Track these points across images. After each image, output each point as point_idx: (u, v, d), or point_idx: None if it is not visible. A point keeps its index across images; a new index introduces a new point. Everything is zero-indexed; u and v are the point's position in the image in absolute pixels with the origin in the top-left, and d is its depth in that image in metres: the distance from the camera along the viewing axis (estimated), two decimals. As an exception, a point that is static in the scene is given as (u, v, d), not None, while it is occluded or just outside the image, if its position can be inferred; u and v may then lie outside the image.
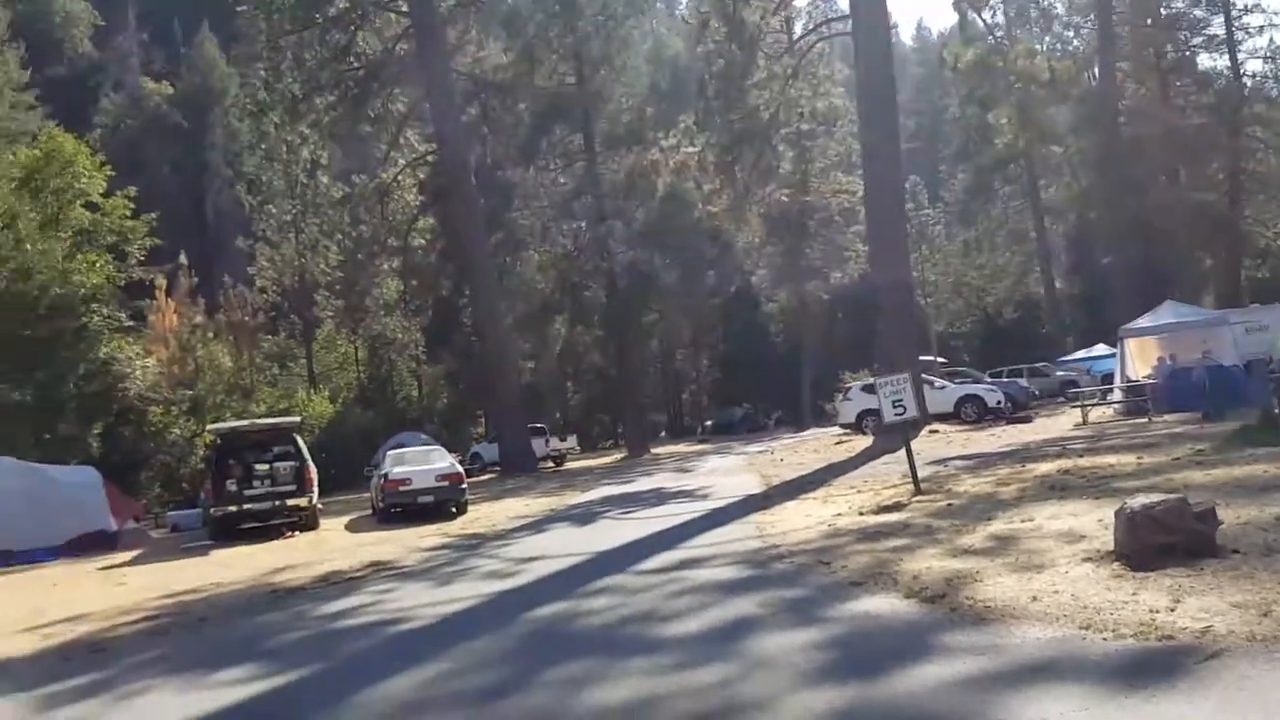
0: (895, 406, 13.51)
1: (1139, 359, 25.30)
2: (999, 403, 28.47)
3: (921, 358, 33.13)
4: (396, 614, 8.65)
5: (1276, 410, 17.39)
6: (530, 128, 40.25)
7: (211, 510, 18.35)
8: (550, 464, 40.25)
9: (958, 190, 60.00)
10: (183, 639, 8.79)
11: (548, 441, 40.78)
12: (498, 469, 36.39)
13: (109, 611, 10.85)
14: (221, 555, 16.18)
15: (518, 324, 43.40)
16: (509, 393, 34.88)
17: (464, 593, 9.44)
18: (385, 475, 19.43)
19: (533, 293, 43.53)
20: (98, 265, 29.81)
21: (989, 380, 33.36)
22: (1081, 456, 14.75)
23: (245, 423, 22.25)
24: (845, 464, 20.68)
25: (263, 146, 48.19)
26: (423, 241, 41.21)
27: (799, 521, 11.93)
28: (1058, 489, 11.42)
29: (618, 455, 44.69)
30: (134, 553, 17.86)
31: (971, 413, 28.28)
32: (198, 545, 18.10)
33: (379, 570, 12.06)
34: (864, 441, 26.30)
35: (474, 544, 14.00)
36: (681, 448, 45.54)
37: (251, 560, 14.76)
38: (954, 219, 60.65)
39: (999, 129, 42.75)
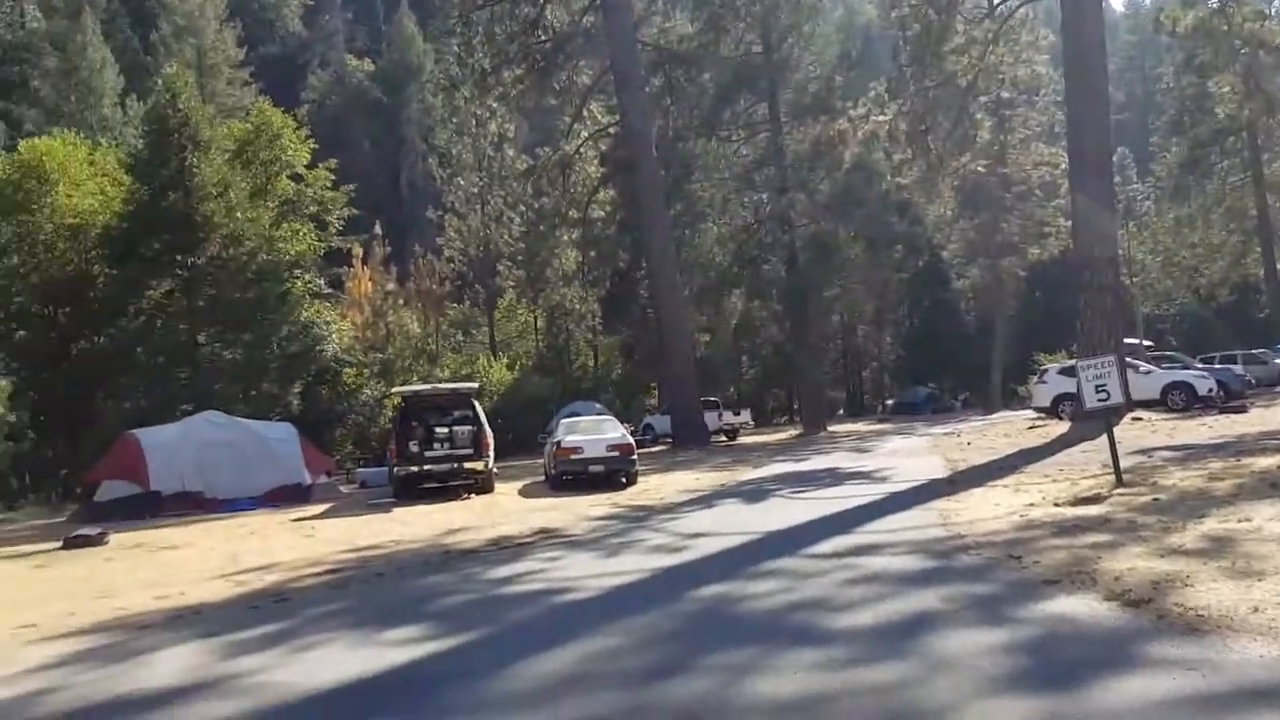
0: (1099, 391, 12.49)
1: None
2: (1210, 390, 26.24)
3: (1126, 340, 30.91)
4: (562, 583, 8.59)
5: None
6: (714, 98, 39.79)
7: (395, 469, 19.10)
8: (723, 438, 40.07)
9: (1170, 164, 55.57)
10: (360, 594, 9.03)
11: (720, 415, 40.56)
12: (669, 441, 36.45)
13: (296, 562, 11.36)
14: (402, 513, 16.79)
15: (694, 297, 43.24)
16: (682, 365, 34.78)
17: (629, 565, 9.31)
18: (558, 443, 19.69)
19: (710, 265, 43.21)
20: (301, 234, 31.57)
21: (1199, 366, 30.80)
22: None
23: (427, 386, 23.06)
24: (1038, 450, 19.50)
25: (454, 120, 49.98)
26: (602, 213, 41.58)
27: (987, 510, 11.21)
28: (1277, 486, 10.26)
29: (792, 432, 44.10)
30: (324, 506, 18.81)
31: (1179, 400, 26.20)
32: (382, 502, 18.89)
33: (548, 537, 12.13)
34: (1059, 427, 24.79)
35: (641, 516, 13.92)
36: (860, 427, 44.49)
37: (429, 519, 15.22)
38: (1165, 194, 56.20)
39: (1220, 98, 39.18)
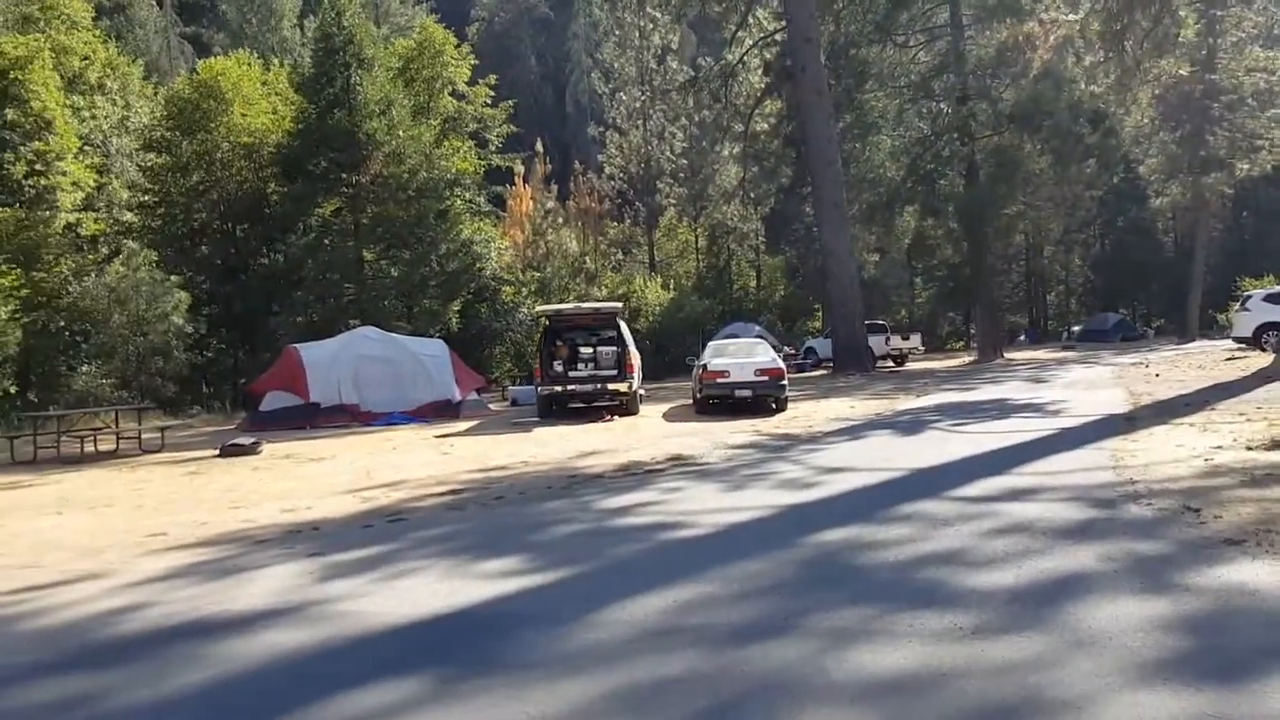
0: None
1: None
2: None
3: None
4: (677, 517, 8.02)
5: None
6: (889, 1, 37.28)
7: (539, 389, 18.97)
8: (890, 363, 38.56)
9: None
10: (475, 517, 8.75)
11: (888, 340, 39.02)
12: (830, 366, 35.26)
13: (424, 480, 11.26)
14: (542, 433, 16.63)
15: (864, 214, 41.33)
16: (845, 286, 33.29)
17: (753, 501, 8.64)
18: (704, 366, 19.08)
19: (881, 181, 41.06)
20: (461, 151, 31.71)
21: None
22: None
23: (570, 306, 22.79)
24: (1235, 385, 17.58)
25: (617, 33, 48.99)
26: (766, 126, 39.94)
27: (1166, 453, 9.93)
28: None
29: (965, 359, 42.03)
30: (470, 423, 18.93)
31: None
32: (525, 421, 18.83)
33: (679, 465, 11.58)
34: (1261, 360, 22.44)
35: (783, 445, 13.18)
36: (1041, 354, 41.94)
37: (566, 441, 14.95)
38: None
39: None
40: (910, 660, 4.23)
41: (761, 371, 18.79)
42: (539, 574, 6.35)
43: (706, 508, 8.40)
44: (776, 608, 5.18)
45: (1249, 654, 4.08)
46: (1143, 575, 5.41)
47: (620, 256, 53.42)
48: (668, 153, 49.95)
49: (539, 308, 21.25)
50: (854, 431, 14.49)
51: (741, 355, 19.55)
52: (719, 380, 18.75)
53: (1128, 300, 57.64)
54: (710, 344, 20.88)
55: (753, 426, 16.04)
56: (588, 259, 45.12)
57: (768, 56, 37.53)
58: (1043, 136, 36.47)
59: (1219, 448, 9.91)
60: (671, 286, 46.25)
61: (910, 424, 15.13)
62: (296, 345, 21.55)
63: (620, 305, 20.60)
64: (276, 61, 36.97)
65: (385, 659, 4.72)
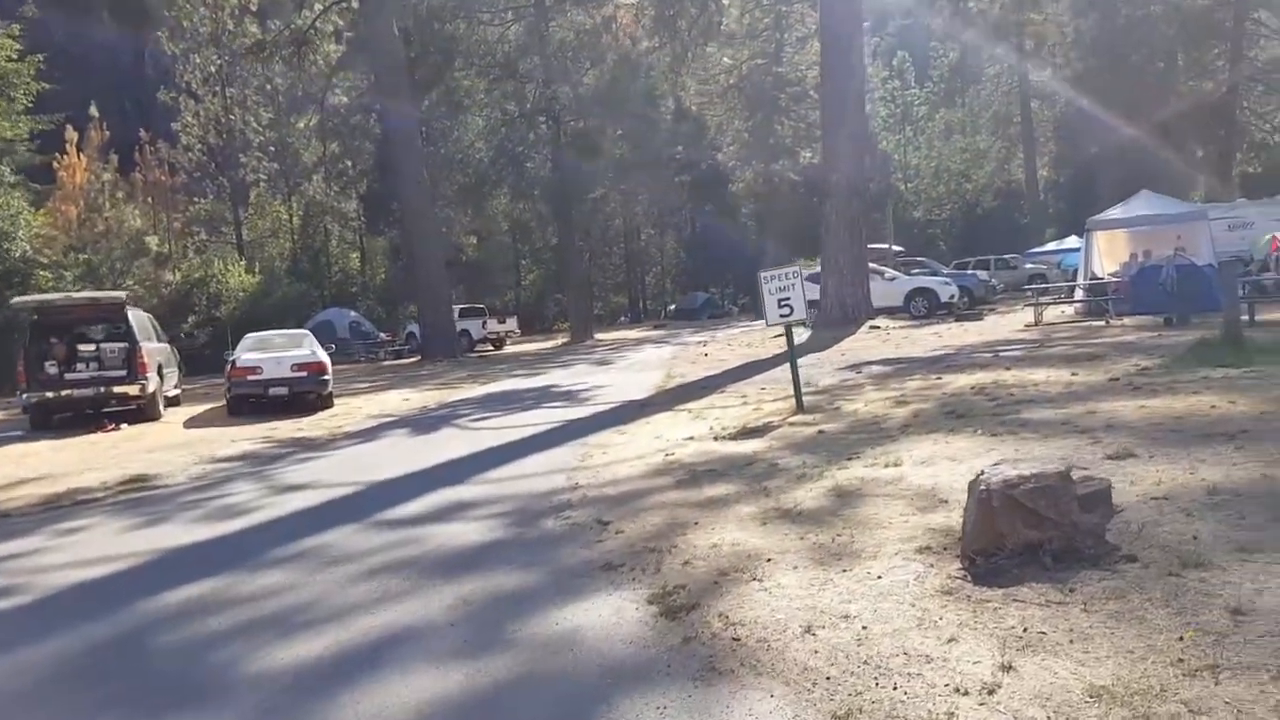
0: (781, 306, 11.16)
1: (1107, 254, 22.85)
2: (951, 297, 26.19)
3: (875, 246, 30.69)
4: (20, 579, 6.39)
5: (1246, 320, 15.25)
6: (472, -27, 36.38)
7: (25, 396, 15.98)
8: (490, 347, 38.10)
9: (944, 69, 56.29)
10: None
11: (485, 324, 38.47)
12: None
13: None
14: (16, 451, 13.92)
15: (457, 195, 40.40)
16: (433, 269, 32.19)
17: (151, 543, 7.20)
18: (233, 362, 17.09)
19: (470, 161, 40.29)
20: (-25, 112, 26.79)
21: (946, 272, 30.97)
22: (1009, 369, 12.49)
23: (60, 296, 19.68)
24: (766, 363, 18.50)
25: (189, -19, 44.19)
26: (345, 99, 37.70)
27: (639, 447, 9.70)
28: (956, 415, 9.19)
29: (561, 340, 42.52)
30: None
31: (922, 307, 26.05)
32: (8, 435, 15.82)
33: (130, 489, 9.81)
34: (805, 335, 24.13)
35: (281, 454, 11.77)
36: (633, 334, 43.32)
37: (23, 462, 12.49)
38: (938, 100, 56.98)
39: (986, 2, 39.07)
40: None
41: (299, 366, 17.14)
42: None
43: (75, 559, 6.83)
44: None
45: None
46: (479, 626, 4.68)
47: (205, 237, 48.66)
48: (254, 123, 45.95)
49: (17, 300, 17.86)
50: (374, 433, 13.37)
51: (278, 350, 17.73)
52: (250, 378, 16.87)
53: (717, 279, 61.43)
54: (246, 338, 18.79)
55: (275, 429, 14.45)
56: (153, 239, 40.29)
57: (340, 23, 35.24)
58: (626, 122, 37.39)
59: (691, 438, 9.84)
60: (262, 270, 42.59)
61: (440, 419, 14.30)
62: None
63: (123, 295, 17.82)
64: None
65: None
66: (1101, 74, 40.62)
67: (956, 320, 23.55)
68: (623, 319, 62.40)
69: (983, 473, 4.89)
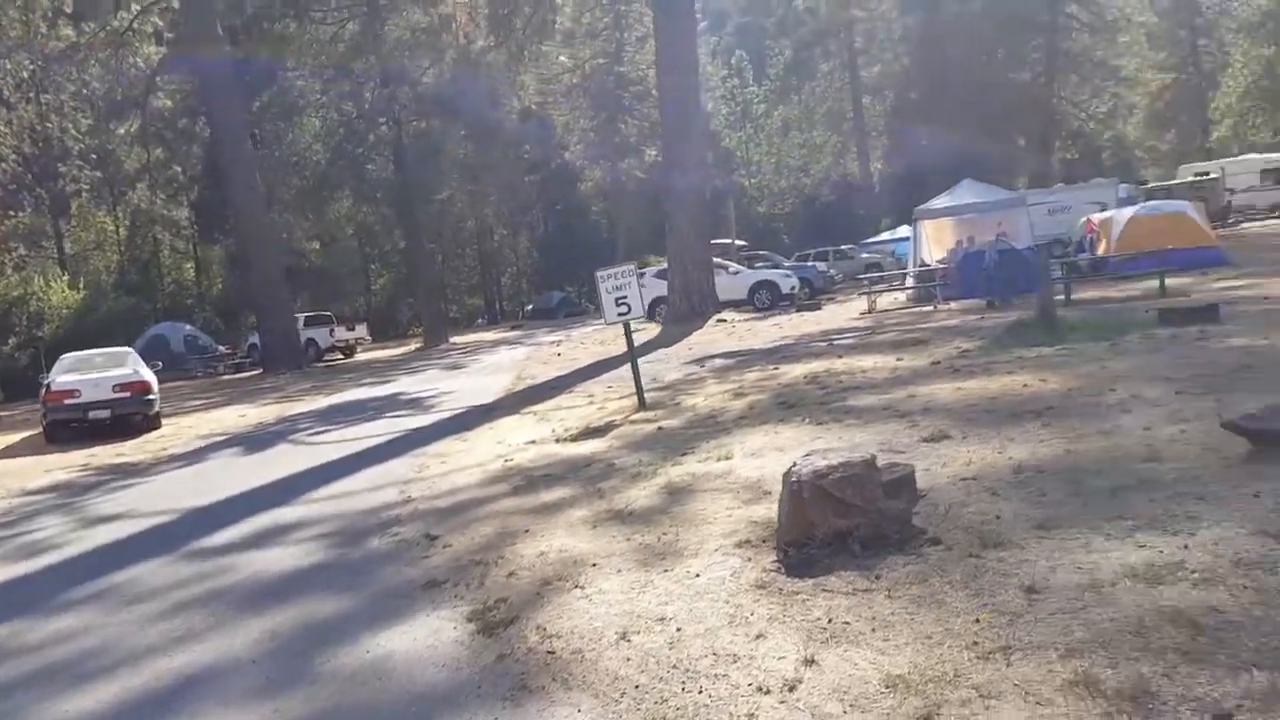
0: (619, 305, 11.13)
1: (935, 242, 23.82)
2: (793, 288, 26.82)
3: (718, 241, 31.21)
4: None
5: (1063, 298, 16.13)
6: (301, -30, 35.00)
7: None
8: (340, 356, 36.95)
9: (779, 67, 57.62)
10: None
11: (333, 331, 37.25)
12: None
13: None
14: None
15: (295, 199, 39.01)
16: (269, 278, 30.97)
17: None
18: (48, 386, 16.01)
19: (307, 164, 38.94)
20: None
21: (787, 265, 31.74)
22: (841, 357, 12.81)
23: None
24: (616, 361, 18.41)
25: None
26: (169, 103, 35.83)
27: (479, 454, 9.53)
28: (788, 405, 9.36)
29: (413, 345, 41.64)
30: None
31: (766, 299, 26.56)
32: None
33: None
34: (653, 333, 24.30)
35: (99, 482, 11.07)
36: (490, 336, 42.77)
37: None
38: (775, 96, 58.32)
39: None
40: None
41: (121, 387, 16.16)
42: None
43: None
44: None
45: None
46: (285, 660, 4.46)
47: (23, 252, 45.41)
48: (72, 130, 43.13)
49: None
50: (202, 454, 12.72)
51: (98, 370, 16.69)
52: (67, 401, 15.81)
53: (571, 277, 61.34)
54: (64, 358, 17.63)
55: (91, 456, 13.58)
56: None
57: (160, 24, 33.43)
58: (468, 122, 36.85)
59: (533, 442, 9.71)
60: (88, 285, 40.01)
61: (273, 436, 13.72)
62: None
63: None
64: None
65: None
66: (927, 68, 42.43)
67: (798, 311, 24.11)
68: (480, 321, 61.65)
69: (795, 464, 4.95)
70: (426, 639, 4.46)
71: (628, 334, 11.61)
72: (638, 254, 53.76)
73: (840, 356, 12.93)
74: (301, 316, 36.63)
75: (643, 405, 10.95)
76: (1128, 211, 20.56)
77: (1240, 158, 38.51)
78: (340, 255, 51.93)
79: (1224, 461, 5.12)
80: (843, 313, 22.31)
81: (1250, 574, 3.56)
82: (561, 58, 39.59)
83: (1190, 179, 35.06)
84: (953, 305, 19.41)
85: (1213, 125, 47.37)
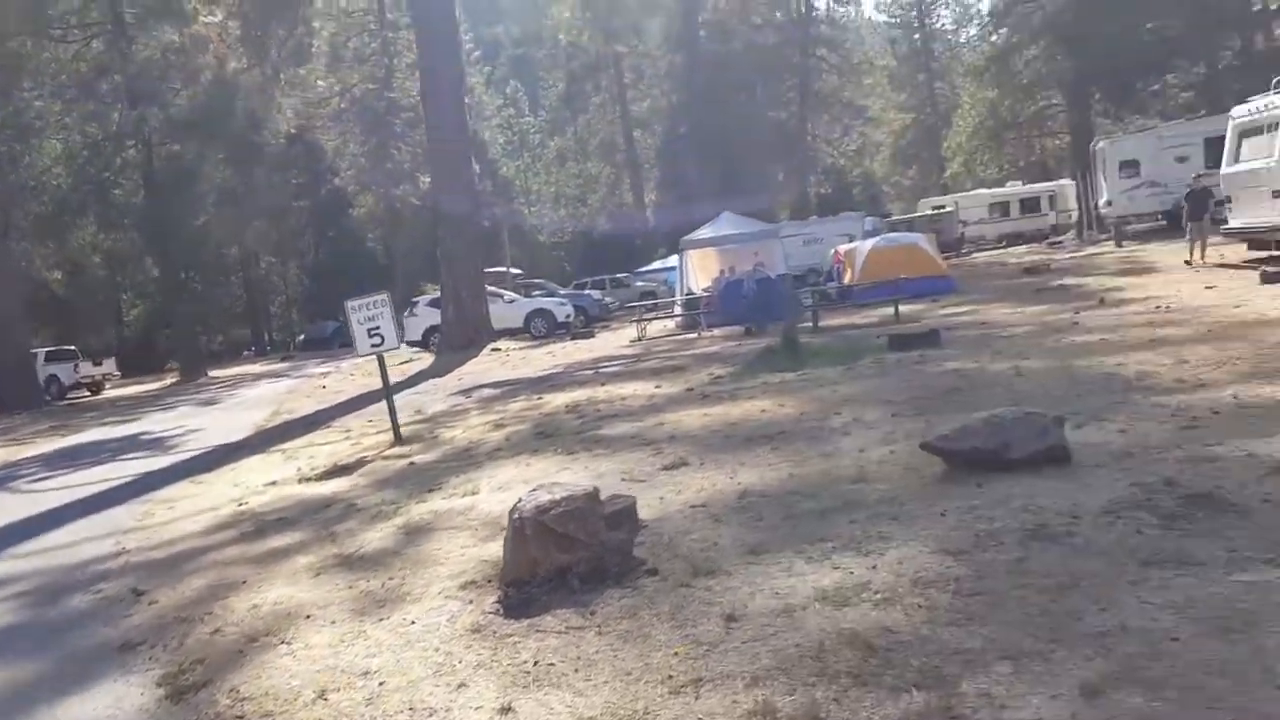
0: (371, 336, 10.81)
1: (701, 270, 24.68)
2: (568, 316, 27.04)
3: (494, 269, 31.10)
4: None
5: (811, 324, 17.00)
6: (33, -11, 32.26)
7: None
8: (87, 393, 34.11)
9: (553, 99, 58.35)
10: None
11: (77, 367, 34.36)
12: None
13: None
14: None
15: (33, 226, 35.81)
16: (4, 310, 28.26)
17: None
18: None
19: (46, 189, 35.85)
20: None
21: (563, 293, 32.00)
22: (604, 385, 12.96)
23: None
24: (381, 394, 17.85)
25: None
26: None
27: (213, 497, 8.96)
28: (545, 435, 9.34)
29: (170, 380, 39.00)
30: None
31: (541, 327, 26.61)
32: None
33: None
34: (427, 361, 23.85)
35: None
36: (257, 368, 40.62)
37: None
38: (549, 128, 59.03)
39: (566, 27, 40.85)
40: None
41: None
42: None
43: None
44: None
45: None
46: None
47: None
48: None
49: None
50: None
51: None
52: None
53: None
54: None
55: None
56: None
57: None
58: (226, 146, 35.03)
59: (274, 483, 9.23)
60: None
61: (-11, 486, 12.40)
62: None
63: None
64: None
65: None
66: (693, 104, 44.11)
67: (572, 339, 24.28)
68: (247, 352, 58.49)
69: (520, 500, 4.90)
70: (107, 710, 4.09)
71: (381, 366, 11.28)
72: (416, 282, 52.81)
73: (603, 384, 13.07)
74: (42, 351, 33.71)
75: (398, 440, 10.66)
76: (869, 243, 21.98)
77: (972, 192, 42.16)
78: (88, 285, 48.12)
79: (921, 481, 5.46)
80: (615, 340, 22.63)
81: (925, 593, 3.77)
82: (321, 82, 38.34)
83: (929, 212, 38.10)
84: (715, 332, 20.07)
85: (947, 162, 51.56)
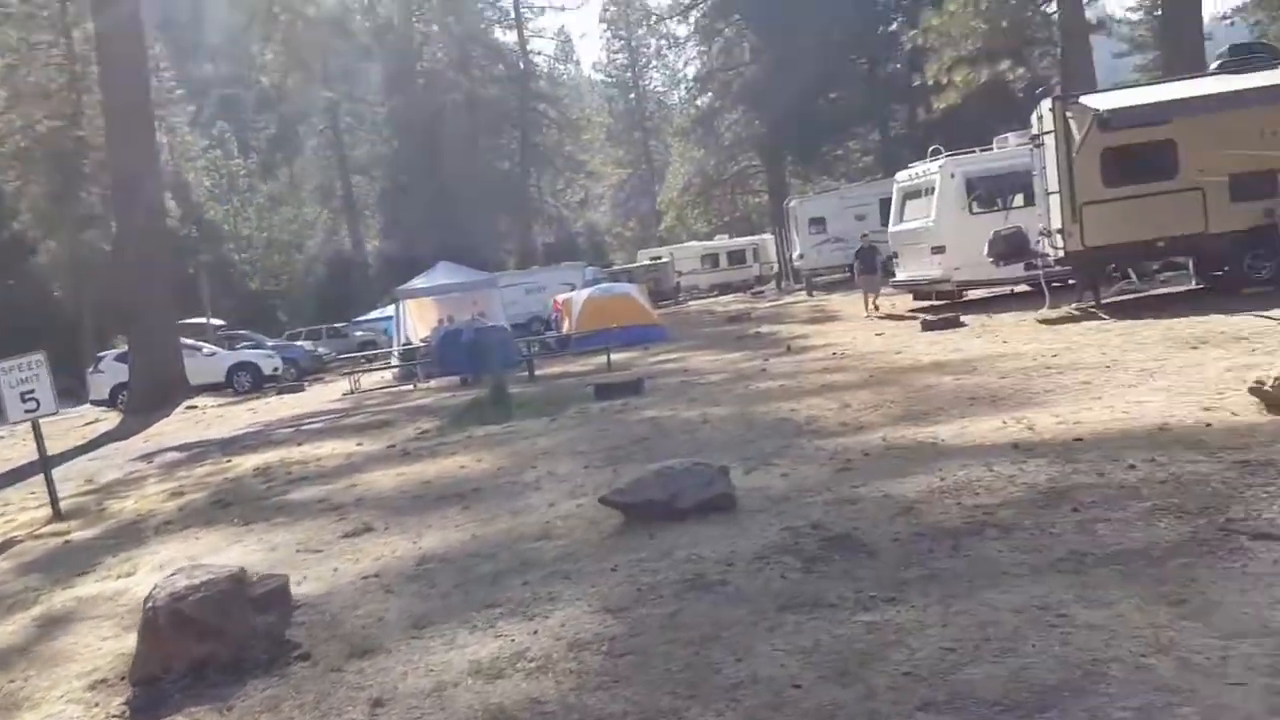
0: (26, 400, 9.69)
1: (420, 320, 24.16)
2: (276, 369, 25.61)
3: (191, 320, 29.02)
4: None
5: (527, 374, 17.02)
6: None
7: None
8: None
9: (263, 141, 55.76)
10: None
11: None
12: None
13: None
14: None
15: None
16: None
17: None
18: None
19: None
20: None
21: (271, 344, 30.35)
22: (302, 444, 12.28)
23: None
24: (53, 460, 16.01)
25: None
26: None
27: None
28: (224, 504, 8.70)
29: None
30: None
31: (246, 382, 25.00)
32: None
33: None
34: (115, 421, 21.83)
35: None
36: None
37: None
38: (259, 171, 56.36)
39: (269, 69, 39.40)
40: None
41: None
42: None
43: None
44: None
45: None
46: None
47: None
48: None
49: None
50: None
51: None
52: None
53: (25, 361, 53.12)
54: None
55: None
56: None
57: None
58: None
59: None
60: None
61: None
62: None
63: None
64: None
65: None
66: (413, 152, 43.59)
67: (279, 394, 22.97)
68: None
69: (156, 586, 4.44)
70: None
71: (37, 434, 10.12)
72: (108, 335, 48.38)
73: (300, 444, 12.37)
74: None
75: (57, 515, 9.56)
76: (585, 293, 22.43)
77: (685, 244, 44.27)
78: None
79: (600, 535, 5.46)
80: (326, 394, 21.64)
81: (579, 656, 3.71)
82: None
83: (647, 262, 39.62)
84: (432, 383, 19.63)
85: (662, 215, 53.88)
